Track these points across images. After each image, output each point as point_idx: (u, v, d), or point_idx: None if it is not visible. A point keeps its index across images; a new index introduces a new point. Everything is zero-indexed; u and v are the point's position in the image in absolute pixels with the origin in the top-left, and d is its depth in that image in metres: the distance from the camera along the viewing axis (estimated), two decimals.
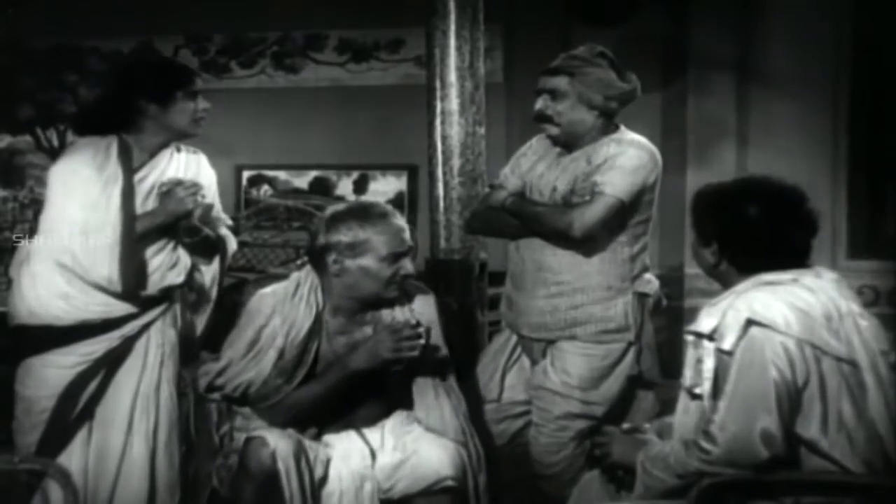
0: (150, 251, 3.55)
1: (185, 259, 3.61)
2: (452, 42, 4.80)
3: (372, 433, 3.30)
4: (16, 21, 6.84)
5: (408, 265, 3.23)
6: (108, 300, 3.48)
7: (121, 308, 3.50)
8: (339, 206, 3.32)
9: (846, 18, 6.47)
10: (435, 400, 3.34)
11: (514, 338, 3.71)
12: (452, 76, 4.81)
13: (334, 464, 3.21)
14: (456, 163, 4.82)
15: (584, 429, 3.54)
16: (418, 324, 3.16)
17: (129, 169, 3.52)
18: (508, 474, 3.63)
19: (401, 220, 3.26)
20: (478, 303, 4.82)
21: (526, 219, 3.59)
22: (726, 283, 2.75)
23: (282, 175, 7.72)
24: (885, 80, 6.33)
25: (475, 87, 4.84)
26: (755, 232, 2.71)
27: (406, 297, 3.33)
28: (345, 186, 7.55)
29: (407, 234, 3.24)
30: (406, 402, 3.38)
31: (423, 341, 3.13)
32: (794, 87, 6.44)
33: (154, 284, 3.55)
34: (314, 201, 7.11)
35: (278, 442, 3.06)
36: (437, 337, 3.29)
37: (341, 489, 3.18)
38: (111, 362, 3.52)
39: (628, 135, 3.60)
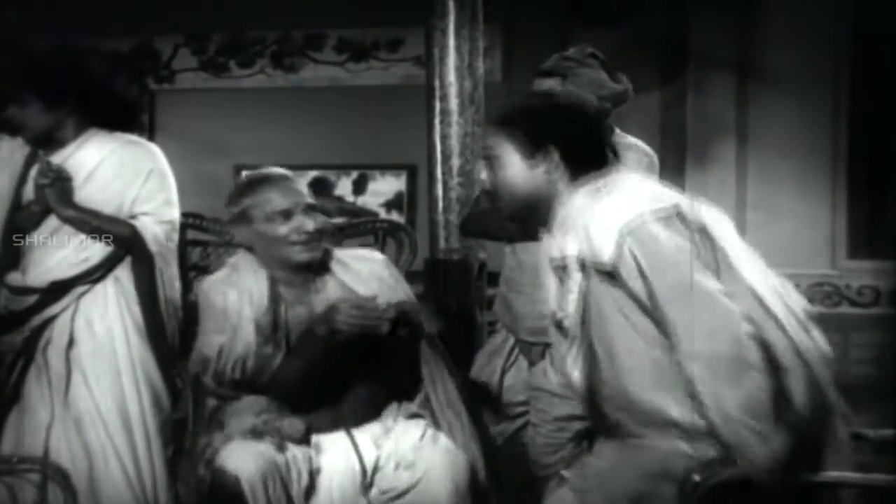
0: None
1: (94, 257, 3.64)
2: (451, 41, 4.80)
3: (362, 435, 3.22)
4: (16, 21, 6.83)
5: (307, 223, 3.20)
6: (9, 292, 3.62)
7: (20, 301, 3.60)
8: (235, 185, 3.38)
9: (846, 18, 6.46)
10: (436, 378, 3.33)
11: (512, 339, 3.70)
12: (451, 76, 4.81)
13: (325, 473, 3.14)
14: (455, 163, 4.82)
15: (583, 430, 3.53)
16: (379, 304, 3.12)
17: (31, 157, 3.65)
18: (507, 475, 3.63)
19: (289, 182, 3.28)
20: (477, 303, 4.82)
21: (524, 224, 3.58)
22: (546, 201, 2.65)
23: None
24: (884, 79, 6.32)
25: (474, 87, 4.84)
26: (594, 129, 2.74)
27: (342, 263, 3.33)
28: (344, 186, 7.53)
29: (297, 193, 3.24)
30: (398, 396, 3.33)
31: (384, 317, 3.08)
32: (794, 86, 6.43)
33: (43, 276, 3.58)
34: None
35: (244, 465, 2.99)
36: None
37: (332, 499, 3.12)
38: (27, 353, 3.62)
39: (624, 138, 3.60)
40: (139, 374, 3.66)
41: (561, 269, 2.61)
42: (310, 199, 3.27)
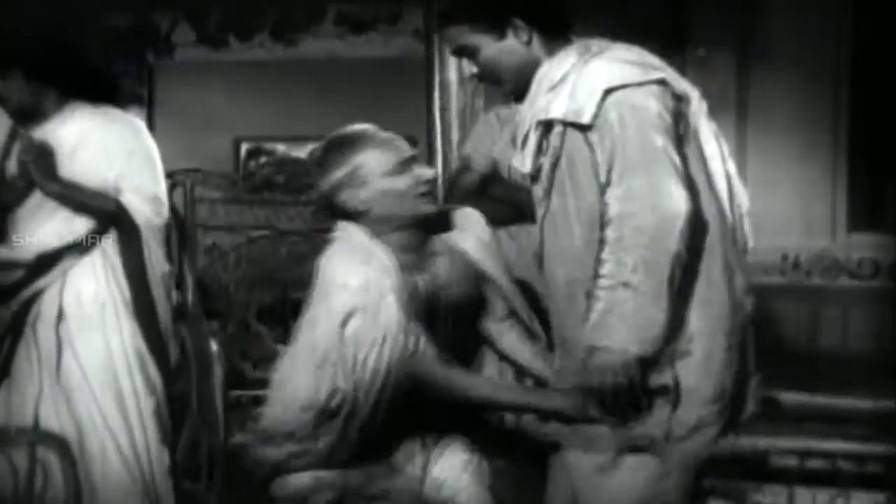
0: (41, 217, 3.59)
1: (80, 229, 3.64)
2: None
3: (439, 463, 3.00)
4: None
5: (425, 171, 2.93)
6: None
7: (6, 275, 3.58)
8: (317, 149, 3.02)
9: None
10: None
11: None
12: None
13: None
14: (454, 135, 4.80)
15: None
16: None
17: (15, 131, 3.60)
18: None
19: (390, 137, 2.96)
20: None
21: (520, 206, 3.46)
22: (536, 68, 2.66)
23: (280, 147, 7.70)
24: (885, 54, 6.30)
25: None
26: None
27: (445, 220, 3.01)
28: None
29: (402, 144, 2.94)
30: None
31: None
32: (795, 60, 6.41)
33: (29, 249, 3.60)
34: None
35: None
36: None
37: None
38: (15, 328, 3.59)
39: None
40: (129, 348, 3.65)
41: (543, 128, 2.61)
42: (412, 151, 2.98)
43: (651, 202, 2.45)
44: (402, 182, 2.86)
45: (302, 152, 7.65)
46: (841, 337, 6.07)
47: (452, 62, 4.77)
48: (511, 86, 2.72)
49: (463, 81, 4.79)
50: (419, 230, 2.92)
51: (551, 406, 2.69)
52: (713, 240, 2.56)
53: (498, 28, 2.65)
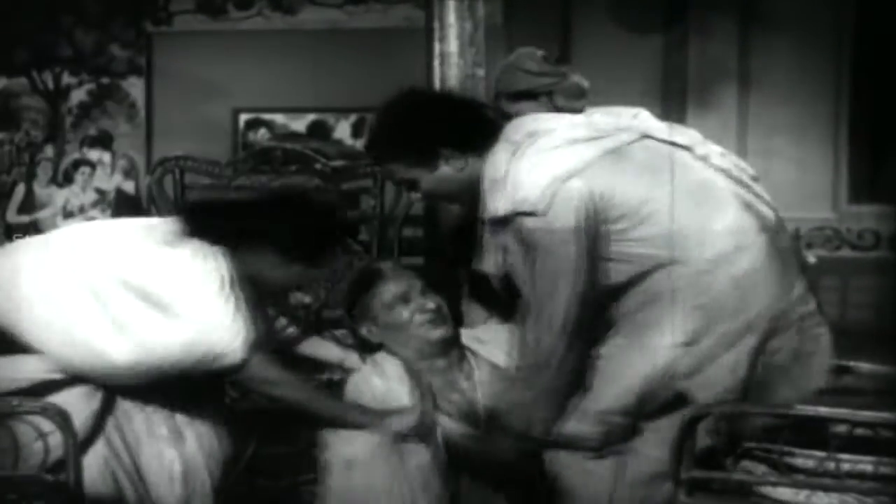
0: None
1: None
2: None
3: None
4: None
5: (426, 302, 2.99)
6: None
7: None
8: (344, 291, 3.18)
9: None
10: None
11: None
12: (451, 16, 4.77)
13: None
14: None
15: None
16: None
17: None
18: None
19: (397, 269, 3.10)
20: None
21: None
22: (476, 184, 2.66)
23: (279, 118, 7.68)
24: (888, 23, 6.28)
25: (474, 28, 4.79)
26: (464, 108, 2.81)
27: (473, 338, 3.08)
28: (343, 129, 7.52)
29: (408, 276, 3.05)
30: None
31: None
32: (797, 29, 6.41)
33: None
34: (312, 144, 7.10)
35: None
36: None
37: None
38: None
39: None
40: None
41: (499, 227, 2.59)
42: (421, 282, 3.06)
43: (547, 301, 2.53)
44: (403, 314, 2.96)
45: (301, 123, 7.66)
46: (841, 307, 6.09)
47: (453, 32, 4.75)
48: (463, 201, 2.76)
49: (464, 52, 4.77)
50: (444, 353, 2.98)
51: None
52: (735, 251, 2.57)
53: (430, 161, 2.70)
